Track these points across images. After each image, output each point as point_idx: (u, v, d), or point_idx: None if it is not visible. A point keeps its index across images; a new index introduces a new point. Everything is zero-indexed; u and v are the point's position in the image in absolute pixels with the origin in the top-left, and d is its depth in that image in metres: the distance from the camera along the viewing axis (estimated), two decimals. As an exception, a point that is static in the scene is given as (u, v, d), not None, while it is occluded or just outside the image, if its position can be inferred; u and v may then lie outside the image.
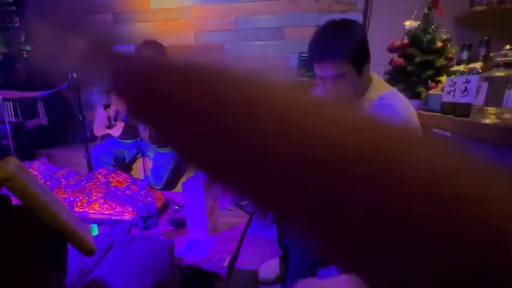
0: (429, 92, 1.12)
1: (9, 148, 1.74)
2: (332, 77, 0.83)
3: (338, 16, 1.93)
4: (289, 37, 2.03)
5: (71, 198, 1.03)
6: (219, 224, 1.00)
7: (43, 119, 1.85)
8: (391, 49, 1.26)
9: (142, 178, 1.88)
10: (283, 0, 1.98)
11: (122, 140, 1.88)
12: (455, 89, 0.85)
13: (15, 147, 1.76)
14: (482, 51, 0.83)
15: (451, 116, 0.86)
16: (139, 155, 1.95)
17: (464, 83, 0.80)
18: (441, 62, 1.11)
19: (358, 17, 1.87)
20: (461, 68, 0.87)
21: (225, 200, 1.17)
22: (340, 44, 0.78)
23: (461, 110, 0.82)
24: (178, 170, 1.84)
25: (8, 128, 1.72)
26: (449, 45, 1.14)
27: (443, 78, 1.13)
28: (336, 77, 0.82)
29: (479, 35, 1.52)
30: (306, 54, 1.78)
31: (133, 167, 1.99)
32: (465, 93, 0.80)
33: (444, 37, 1.13)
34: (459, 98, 0.82)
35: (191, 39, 2.20)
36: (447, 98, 0.88)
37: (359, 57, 0.80)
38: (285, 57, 2.06)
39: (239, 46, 2.13)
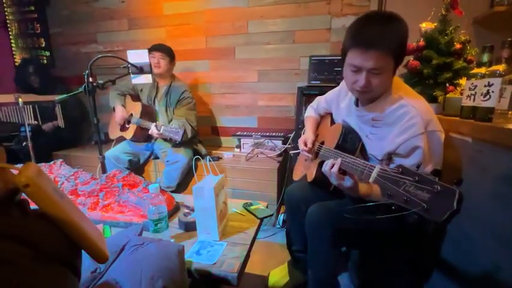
0: (448, 95, 1.08)
1: (28, 150, 1.81)
2: (370, 69, 0.74)
3: (350, 19, 1.92)
4: (300, 40, 2.03)
5: (85, 200, 1.05)
6: (229, 228, 1.00)
7: (60, 122, 1.92)
8: (406, 51, 1.22)
9: (153, 180, 1.91)
10: (293, 3, 1.97)
11: (135, 143, 1.91)
12: (475, 93, 0.81)
13: (34, 148, 1.83)
14: (505, 53, 0.79)
15: (472, 120, 0.82)
16: (152, 158, 1.99)
17: (485, 86, 0.76)
18: (460, 64, 1.07)
19: (371, 19, 1.84)
20: (482, 70, 0.83)
21: (235, 204, 1.17)
22: (390, 35, 0.71)
23: (482, 114, 0.78)
24: (190, 172, 1.85)
25: (27, 130, 1.79)
26: (468, 47, 1.10)
27: (462, 81, 1.08)
28: (375, 70, 0.74)
29: (499, 36, 1.46)
30: (318, 57, 1.78)
31: (146, 168, 2.02)
32: (487, 97, 0.76)
33: (463, 39, 1.09)
34: (480, 102, 0.78)
35: (203, 43, 2.23)
36: (467, 102, 0.85)
37: (401, 54, 0.76)
38: (296, 61, 2.06)
39: (250, 50, 2.14)
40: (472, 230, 0.81)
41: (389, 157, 0.85)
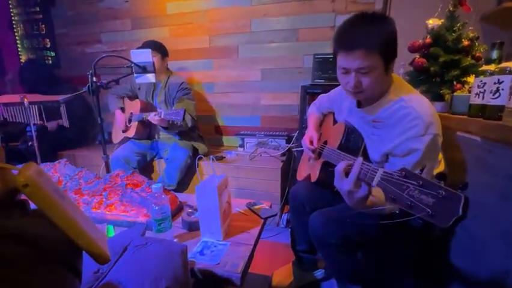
0: (455, 93, 1.06)
1: (34, 149, 1.83)
2: (357, 69, 0.75)
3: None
4: (303, 39, 2.01)
5: (89, 199, 1.06)
6: (232, 228, 0.99)
7: (65, 122, 1.93)
8: (412, 49, 1.20)
9: (157, 180, 1.91)
10: (297, 1, 1.96)
11: (140, 142, 1.92)
12: (484, 90, 0.79)
13: (39, 148, 1.85)
14: (515, 50, 0.77)
15: (480, 119, 0.80)
16: (157, 158, 2.00)
17: (495, 83, 0.74)
18: (468, 61, 1.04)
19: (376, 16, 1.82)
20: (492, 67, 0.81)
21: (239, 204, 1.16)
22: (372, 34, 0.72)
23: (492, 112, 0.76)
24: (190, 169, 1.85)
25: (33, 130, 1.81)
26: (476, 44, 1.08)
27: (470, 79, 1.06)
28: (362, 69, 0.75)
29: (508, 33, 1.42)
30: (322, 55, 1.76)
31: (154, 168, 2.03)
32: (496, 95, 0.74)
33: (471, 35, 1.07)
34: (489, 100, 0.76)
35: (206, 42, 2.22)
36: (476, 100, 0.82)
37: (390, 51, 0.75)
38: (300, 59, 2.04)
39: (253, 48, 2.13)
40: (480, 232, 0.79)
41: (386, 158, 0.84)
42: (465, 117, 0.89)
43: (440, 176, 0.51)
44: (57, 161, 1.28)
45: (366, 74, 0.76)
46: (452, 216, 0.46)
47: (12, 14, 2.67)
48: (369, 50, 0.72)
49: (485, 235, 0.78)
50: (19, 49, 2.74)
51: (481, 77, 0.81)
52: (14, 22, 2.68)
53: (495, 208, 0.74)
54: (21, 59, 2.76)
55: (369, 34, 0.72)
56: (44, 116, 1.94)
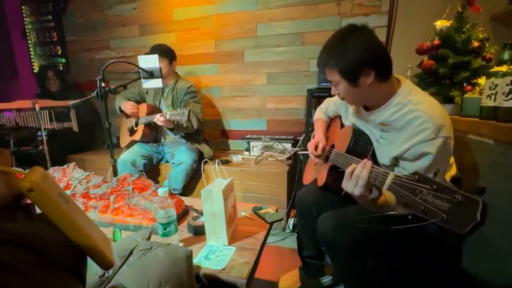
0: (465, 95, 1.03)
1: (44, 153, 1.87)
2: (331, 82, 0.86)
3: (360, 19, 1.89)
4: (309, 42, 2.01)
5: (97, 203, 1.07)
6: (238, 232, 0.98)
7: (74, 126, 1.97)
8: (420, 51, 1.18)
9: (163, 183, 1.92)
10: (303, 5, 1.96)
11: (147, 145, 1.94)
12: (496, 92, 0.77)
13: (50, 152, 1.88)
14: (529, 50, 0.75)
15: (493, 121, 0.78)
16: (163, 162, 2.01)
17: (508, 85, 0.72)
18: (478, 62, 1.02)
19: (383, 19, 1.80)
20: (504, 68, 0.79)
21: (245, 208, 1.15)
22: (329, 54, 0.81)
23: (505, 114, 0.73)
24: (196, 173, 1.86)
25: (43, 134, 1.85)
26: (487, 45, 1.05)
27: (481, 81, 1.04)
28: (332, 82, 0.86)
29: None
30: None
31: (161, 172, 2.04)
32: (509, 96, 0.72)
33: (481, 36, 1.05)
34: (502, 102, 0.74)
35: (212, 47, 2.24)
36: (487, 102, 0.80)
37: (348, 70, 0.79)
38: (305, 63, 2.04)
39: (259, 53, 2.14)
40: (494, 238, 0.76)
41: (396, 162, 0.82)
42: (476, 119, 0.87)
43: (455, 180, 0.49)
44: (66, 165, 1.30)
45: (337, 86, 0.85)
46: (470, 222, 0.44)
47: (25, 23, 2.76)
48: (329, 68, 0.83)
49: (500, 241, 0.75)
50: (32, 56, 2.83)
51: (493, 79, 0.79)
52: (27, 30, 2.77)
53: (510, 213, 0.71)
54: (33, 65, 2.84)
55: (328, 55, 0.82)
56: (54, 121, 1.98)
